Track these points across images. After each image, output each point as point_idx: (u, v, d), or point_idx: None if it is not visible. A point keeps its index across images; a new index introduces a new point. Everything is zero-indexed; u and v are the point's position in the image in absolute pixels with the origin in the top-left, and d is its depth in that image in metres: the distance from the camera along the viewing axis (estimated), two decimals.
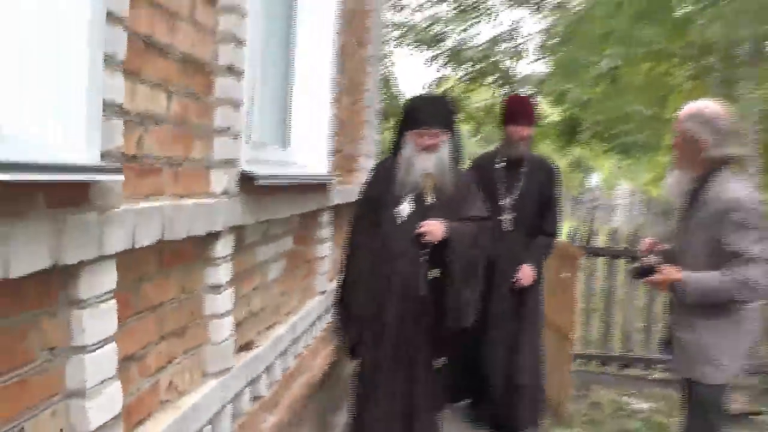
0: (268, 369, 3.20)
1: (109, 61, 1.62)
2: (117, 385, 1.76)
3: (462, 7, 12.67)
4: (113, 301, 1.73)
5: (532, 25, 15.27)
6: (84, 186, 1.57)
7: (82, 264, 1.57)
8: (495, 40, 13.01)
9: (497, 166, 4.92)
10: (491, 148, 5.63)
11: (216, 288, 2.49)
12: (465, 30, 12.59)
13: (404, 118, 4.25)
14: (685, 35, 14.11)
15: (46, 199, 1.42)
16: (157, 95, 2.01)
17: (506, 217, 4.82)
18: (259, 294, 3.12)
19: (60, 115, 1.53)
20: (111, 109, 1.65)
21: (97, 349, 1.66)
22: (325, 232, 4.35)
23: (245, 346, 2.93)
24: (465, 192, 4.16)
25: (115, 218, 1.69)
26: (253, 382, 2.96)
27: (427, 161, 4.02)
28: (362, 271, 4.03)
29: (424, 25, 11.91)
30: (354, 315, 4.07)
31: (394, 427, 4.00)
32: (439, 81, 12.91)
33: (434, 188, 4.02)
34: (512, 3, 13.06)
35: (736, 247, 3.21)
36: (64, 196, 1.49)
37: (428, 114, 4.15)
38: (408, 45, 12.15)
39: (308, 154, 4.07)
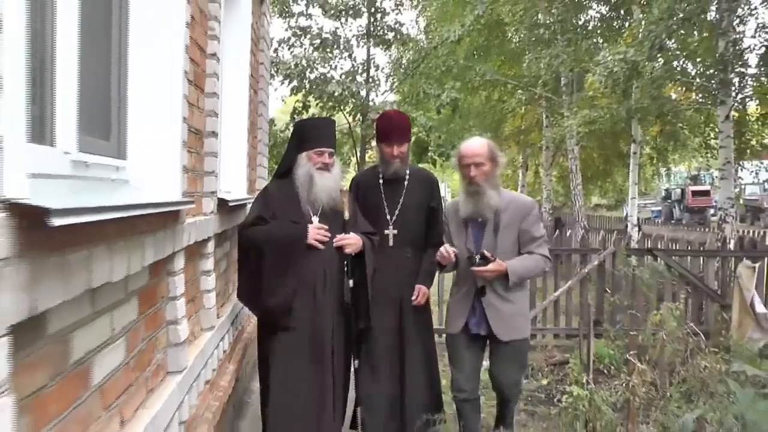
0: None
1: (184, 144, 2.96)
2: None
3: (322, 44, 14.17)
4: (183, 274, 3.05)
5: (382, 58, 16.97)
6: (177, 211, 2.90)
7: (175, 251, 2.89)
8: (351, 73, 14.54)
9: (379, 182, 4.79)
10: (352, 169, 6.38)
11: (207, 273, 3.81)
12: (326, 65, 14.06)
13: (298, 140, 4.39)
14: (516, 67, 16.30)
15: (165, 216, 2.75)
16: (189, 155, 3.32)
17: (389, 233, 4.73)
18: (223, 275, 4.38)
19: (165, 173, 2.86)
20: (185, 169, 2.99)
21: (179, 298, 2.99)
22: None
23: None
24: (352, 207, 4.53)
25: (185, 227, 3.03)
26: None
27: (326, 179, 4.24)
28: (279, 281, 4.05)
29: (292, 63, 13.18)
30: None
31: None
32: (303, 107, 14.20)
33: (334, 204, 4.27)
34: (365, 41, 14.70)
35: (539, 234, 4.33)
36: (167, 217, 2.81)
37: (323, 135, 4.37)
38: (276, 78, 13.40)
39: (232, 183, 5.34)
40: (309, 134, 4.38)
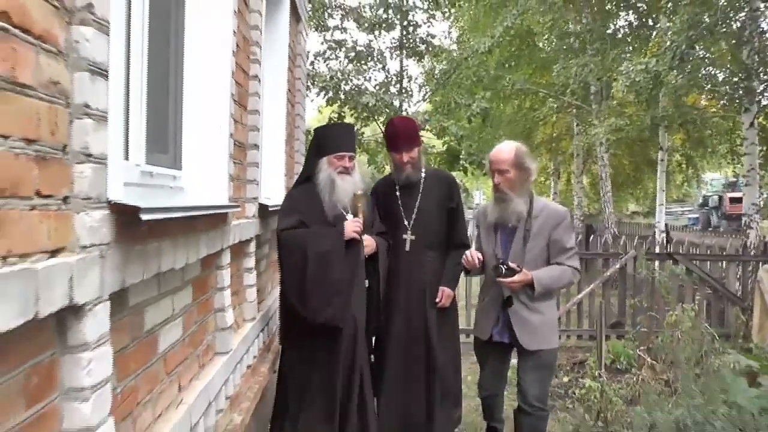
0: None
1: (230, 156, 3.46)
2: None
3: (357, 57, 14.72)
4: (229, 269, 3.55)
5: (415, 69, 17.39)
6: (225, 214, 3.39)
7: (223, 248, 3.39)
8: (385, 84, 15.07)
9: (395, 189, 4.88)
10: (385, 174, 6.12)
11: (249, 270, 4.31)
12: (360, 77, 14.60)
13: (319, 145, 4.51)
14: (547, 75, 16.63)
15: (216, 218, 3.24)
16: (234, 166, 3.82)
17: (407, 238, 4.79)
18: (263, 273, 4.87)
19: (215, 181, 3.36)
20: (231, 177, 3.49)
21: (226, 289, 3.49)
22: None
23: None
24: (370, 209, 4.67)
25: (232, 229, 3.52)
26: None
27: (347, 182, 4.36)
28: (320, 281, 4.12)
29: (328, 75, 13.74)
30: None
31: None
32: (339, 118, 14.72)
33: (361, 206, 4.39)
34: (398, 53, 15.21)
35: (570, 245, 4.24)
36: (217, 219, 3.30)
37: (343, 140, 4.49)
38: (312, 90, 13.97)
39: (271, 190, 5.83)
40: (328, 140, 4.48)
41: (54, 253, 1.56)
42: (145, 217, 1.86)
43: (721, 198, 35.06)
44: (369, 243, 4.49)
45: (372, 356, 4.71)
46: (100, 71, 1.73)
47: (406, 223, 4.82)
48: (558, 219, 4.25)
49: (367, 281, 4.60)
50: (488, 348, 4.51)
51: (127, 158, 2.60)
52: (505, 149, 4.31)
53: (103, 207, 1.79)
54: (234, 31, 3.58)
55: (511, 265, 4.15)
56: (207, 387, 3.08)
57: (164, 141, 3.18)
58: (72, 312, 1.64)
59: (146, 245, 2.15)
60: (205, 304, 3.31)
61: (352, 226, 4.27)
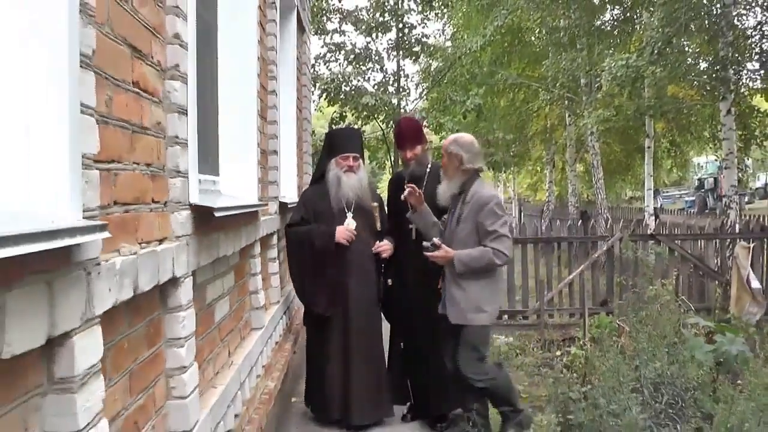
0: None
1: (258, 162, 4.15)
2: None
3: (356, 58, 15.42)
4: (259, 258, 4.22)
5: (412, 68, 18.02)
6: (257, 211, 4.07)
7: (256, 240, 4.07)
8: (383, 84, 15.77)
9: (404, 183, 4.99)
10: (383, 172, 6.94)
11: (273, 259, 5.01)
12: (359, 78, 15.30)
13: (328, 147, 5.15)
14: (539, 69, 17.23)
15: (250, 215, 3.92)
16: (261, 170, 4.48)
17: (413, 227, 5.04)
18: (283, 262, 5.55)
19: (246, 184, 4.05)
20: (259, 180, 4.17)
21: (258, 274, 4.17)
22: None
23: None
24: (378, 202, 5.25)
25: (261, 224, 4.21)
26: None
27: (352, 179, 4.94)
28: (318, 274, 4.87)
29: (329, 78, 14.46)
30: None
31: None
32: (340, 117, 15.42)
33: (362, 201, 4.99)
34: (395, 54, 15.91)
35: (492, 228, 4.36)
36: (251, 216, 3.98)
37: (348, 142, 5.10)
38: (315, 92, 14.66)
39: (286, 189, 6.49)
40: (336, 142, 5.14)
41: (161, 241, 2.25)
42: (218, 214, 2.57)
43: (716, 180, 35.52)
44: (388, 247, 5.10)
45: (402, 344, 5.27)
46: (183, 111, 2.43)
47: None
48: (482, 204, 4.41)
49: (390, 281, 5.21)
50: (447, 322, 4.60)
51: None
52: (447, 139, 4.81)
53: (187, 208, 2.48)
54: (258, 58, 4.27)
55: (435, 242, 4.47)
56: (249, 354, 3.79)
57: (206, 153, 3.86)
58: (171, 283, 2.32)
59: (211, 236, 2.85)
60: (243, 287, 4.02)
61: (343, 233, 4.89)
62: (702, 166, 38.72)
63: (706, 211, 32.17)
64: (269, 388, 4.29)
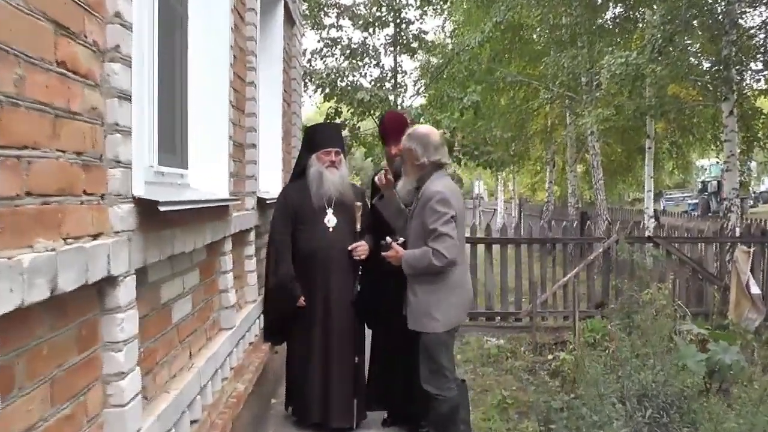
0: None
1: (230, 156, 3.98)
2: None
3: (352, 54, 15.24)
4: (231, 255, 4.06)
5: (409, 64, 17.82)
6: (226, 206, 3.89)
7: (225, 236, 3.90)
8: (380, 80, 15.57)
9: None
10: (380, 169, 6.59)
11: (250, 257, 4.83)
12: (355, 73, 15.13)
13: (309, 142, 5.04)
14: (539, 67, 17.03)
15: (218, 210, 3.74)
16: (234, 164, 4.31)
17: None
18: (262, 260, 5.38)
19: (216, 178, 3.87)
20: (231, 174, 4.00)
21: (228, 272, 4.00)
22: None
23: None
24: (361, 200, 5.01)
25: (233, 220, 4.03)
26: None
27: (334, 175, 4.81)
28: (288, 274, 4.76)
29: (324, 73, 14.29)
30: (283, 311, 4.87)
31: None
32: (335, 113, 15.20)
33: (344, 197, 4.82)
34: (392, 49, 15.72)
35: (432, 226, 4.05)
36: (219, 211, 3.80)
37: (329, 137, 5.01)
38: (309, 87, 14.50)
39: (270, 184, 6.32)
40: (317, 137, 5.00)
41: (96, 236, 2.07)
42: (162, 208, 2.38)
43: (719, 183, 35.28)
44: (363, 249, 4.88)
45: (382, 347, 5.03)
46: (125, 96, 2.24)
47: None
48: (426, 199, 4.15)
49: (359, 286, 4.94)
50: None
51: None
52: (408, 131, 4.47)
53: (130, 201, 2.29)
54: (231, 46, 4.08)
55: (388, 240, 4.33)
56: (214, 356, 3.61)
57: (172, 145, 3.69)
58: (109, 282, 2.14)
59: (162, 232, 2.66)
60: (212, 285, 3.84)
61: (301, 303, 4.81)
62: (705, 169, 38.51)
63: (709, 214, 31.97)
64: (238, 391, 4.11)
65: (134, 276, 2.33)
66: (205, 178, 3.92)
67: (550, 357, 7.81)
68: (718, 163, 25.00)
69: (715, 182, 36.25)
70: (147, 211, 2.42)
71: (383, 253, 4.35)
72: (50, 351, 1.83)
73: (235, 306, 4.20)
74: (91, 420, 2.11)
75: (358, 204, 4.91)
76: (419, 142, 4.27)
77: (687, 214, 26.21)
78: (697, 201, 38.28)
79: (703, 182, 38.53)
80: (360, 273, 4.96)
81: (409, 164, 4.34)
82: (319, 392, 4.81)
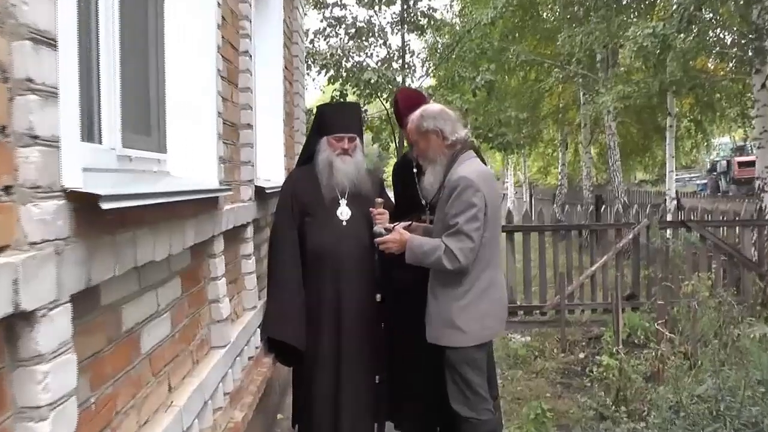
0: None
1: (219, 136, 3.24)
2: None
3: (357, 33, 14.46)
4: (222, 257, 3.33)
5: (418, 44, 17.13)
6: (215, 198, 3.17)
7: (215, 235, 3.17)
8: (387, 60, 14.78)
9: (413, 167, 4.43)
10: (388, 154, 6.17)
11: (247, 256, 4.11)
12: (361, 54, 14.38)
13: (319, 124, 4.38)
14: (552, 45, 16.33)
15: (204, 203, 3.02)
16: (226, 147, 3.59)
17: (426, 218, 4.31)
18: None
19: (203, 164, 3.13)
20: (222, 159, 3.26)
21: (220, 278, 3.27)
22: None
23: None
24: (379, 191, 4.44)
25: (225, 214, 3.30)
26: None
27: (347, 164, 4.19)
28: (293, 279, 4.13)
29: (328, 53, 13.54)
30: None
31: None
32: (341, 96, 14.46)
33: (359, 189, 4.21)
34: (399, 28, 14.92)
35: (454, 220, 3.45)
36: (206, 204, 3.07)
37: (343, 120, 4.32)
38: (313, 69, 13.76)
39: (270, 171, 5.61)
40: (329, 119, 4.35)
41: None
42: (105, 206, 1.63)
43: (729, 163, 34.56)
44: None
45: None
46: (45, 40, 1.50)
47: (423, 202, 4.33)
48: (451, 189, 3.54)
49: (379, 296, 4.30)
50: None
51: (101, 142, 2.39)
52: (412, 118, 3.85)
53: (58, 196, 1.56)
54: (219, 2, 3.34)
55: (388, 226, 3.88)
56: (201, 385, 2.87)
57: (146, 123, 2.96)
58: (22, 319, 1.42)
59: (116, 236, 1.93)
60: (198, 296, 3.10)
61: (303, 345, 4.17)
62: (715, 148, 37.85)
63: (719, 194, 31.29)
64: (236, 421, 3.39)
65: (69, 305, 1.60)
66: (189, 164, 3.18)
67: (582, 355, 7.11)
68: (742, 141, 24.24)
69: (725, 162, 35.57)
70: (90, 208, 1.68)
71: (377, 240, 3.84)
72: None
73: (229, 318, 3.48)
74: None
75: (380, 200, 4.17)
76: (443, 119, 3.69)
77: (697, 195, 25.49)
78: (706, 181, 37.63)
79: (712, 162, 37.83)
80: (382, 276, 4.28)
81: (435, 149, 3.72)
82: (329, 416, 4.14)
